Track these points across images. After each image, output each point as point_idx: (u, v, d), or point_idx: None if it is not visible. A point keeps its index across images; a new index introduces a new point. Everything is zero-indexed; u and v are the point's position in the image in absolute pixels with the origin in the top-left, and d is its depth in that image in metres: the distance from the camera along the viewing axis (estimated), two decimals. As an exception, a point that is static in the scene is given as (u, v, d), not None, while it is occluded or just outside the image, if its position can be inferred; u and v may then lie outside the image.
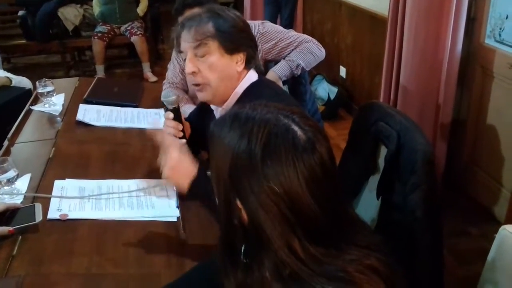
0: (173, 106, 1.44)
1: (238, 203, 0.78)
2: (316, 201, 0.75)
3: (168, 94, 1.44)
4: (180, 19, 2.09)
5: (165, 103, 1.46)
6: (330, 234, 0.76)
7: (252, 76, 1.46)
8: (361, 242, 0.79)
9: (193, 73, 1.38)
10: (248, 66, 1.44)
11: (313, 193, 0.74)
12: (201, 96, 1.44)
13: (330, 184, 0.78)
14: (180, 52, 1.43)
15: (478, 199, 2.73)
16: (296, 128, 0.77)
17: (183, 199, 1.45)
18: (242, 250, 0.87)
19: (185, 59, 1.40)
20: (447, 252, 2.26)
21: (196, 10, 1.99)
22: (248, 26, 1.47)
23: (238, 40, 1.39)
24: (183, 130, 1.45)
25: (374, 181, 1.53)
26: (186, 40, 1.37)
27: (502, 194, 2.54)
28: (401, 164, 1.35)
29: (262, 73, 1.53)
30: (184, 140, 1.43)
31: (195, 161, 1.27)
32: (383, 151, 1.48)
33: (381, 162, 1.49)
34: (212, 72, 1.37)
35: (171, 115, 1.43)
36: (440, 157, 2.68)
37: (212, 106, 1.54)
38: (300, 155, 0.74)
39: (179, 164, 1.24)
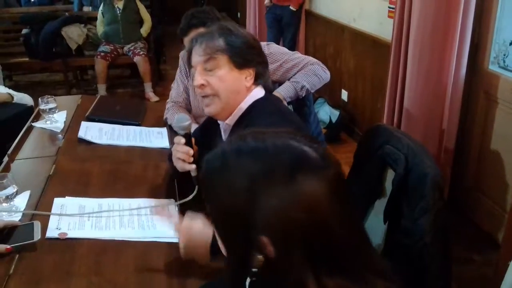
0: (185, 132, 1.42)
1: (264, 239, 0.71)
2: (341, 222, 0.73)
3: (182, 119, 1.41)
4: (185, 39, 2.09)
5: (176, 128, 1.44)
6: (348, 258, 0.73)
7: (258, 92, 1.46)
8: (374, 268, 0.76)
9: (202, 85, 1.38)
10: (257, 82, 1.44)
11: (338, 213, 0.72)
12: (209, 110, 1.43)
13: (349, 203, 0.76)
14: (190, 67, 1.43)
15: (482, 225, 2.70)
16: (306, 148, 0.74)
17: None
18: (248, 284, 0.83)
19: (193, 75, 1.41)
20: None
21: (201, 30, 1.99)
22: (259, 43, 1.48)
23: (247, 56, 1.40)
24: (194, 156, 1.43)
25: (380, 205, 1.50)
26: (197, 54, 1.39)
27: (506, 220, 2.50)
28: (409, 188, 1.32)
29: (271, 91, 1.52)
30: (194, 166, 1.41)
31: (207, 224, 1.21)
32: (390, 174, 1.46)
33: (388, 185, 1.47)
34: (221, 83, 1.38)
35: (182, 140, 1.41)
36: (444, 182, 2.65)
37: (219, 121, 1.53)
38: (321, 173, 0.72)
39: (192, 239, 1.20)
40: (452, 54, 2.45)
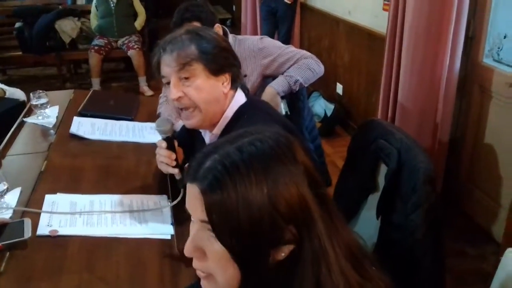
0: (166, 135, 1.40)
1: (292, 228, 0.70)
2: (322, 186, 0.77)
3: (161, 123, 1.40)
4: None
5: (158, 132, 1.42)
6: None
7: (240, 97, 1.42)
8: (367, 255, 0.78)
9: (179, 98, 1.32)
10: (234, 85, 1.39)
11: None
12: (190, 124, 1.39)
13: None
14: (162, 77, 1.36)
15: (476, 219, 2.71)
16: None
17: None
18: None
19: (168, 83, 1.34)
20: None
21: (194, 24, 1.98)
22: (229, 44, 1.43)
23: (222, 61, 1.34)
24: (176, 159, 1.41)
25: (373, 200, 1.50)
26: (169, 65, 1.31)
27: (500, 214, 2.51)
28: (402, 182, 1.32)
29: (246, 90, 1.49)
30: (177, 170, 1.40)
31: None
32: (383, 169, 1.45)
33: (381, 180, 1.47)
34: (199, 93, 1.32)
35: (164, 144, 1.40)
36: (437, 176, 2.66)
37: (201, 130, 1.51)
38: (303, 146, 0.78)
39: None
40: (446, 47, 2.44)
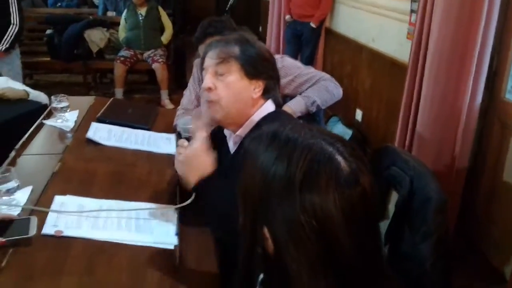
0: (190, 135, 1.42)
1: (266, 231, 0.71)
2: (353, 241, 0.68)
3: (187, 121, 1.42)
4: (201, 47, 2.11)
5: (181, 130, 1.44)
6: (360, 280, 0.71)
7: (269, 106, 1.45)
8: None
9: (209, 89, 1.38)
10: (265, 96, 1.43)
11: (351, 232, 0.68)
12: (210, 114, 1.42)
13: (369, 223, 0.72)
14: (202, 69, 1.44)
15: (489, 257, 2.63)
16: (340, 158, 0.71)
17: (184, 223, 1.41)
18: (259, 280, 0.81)
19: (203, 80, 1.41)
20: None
21: (216, 39, 2.00)
22: (273, 58, 1.48)
23: (260, 67, 1.40)
24: None
25: (382, 227, 1.47)
26: (210, 57, 1.40)
27: (515, 255, 2.43)
28: (413, 211, 1.29)
29: (280, 107, 1.51)
30: None
31: (214, 162, 1.31)
32: (394, 197, 1.43)
33: (391, 208, 1.44)
34: (227, 90, 1.38)
35: (185, 143, 1.41)
36: (453, 209, 2.60)
37: (226, 132, 1.52)
38: (341, 188, 0.68)
39: (195, 157, 1.30)
40: (468, 80, 2.42)
